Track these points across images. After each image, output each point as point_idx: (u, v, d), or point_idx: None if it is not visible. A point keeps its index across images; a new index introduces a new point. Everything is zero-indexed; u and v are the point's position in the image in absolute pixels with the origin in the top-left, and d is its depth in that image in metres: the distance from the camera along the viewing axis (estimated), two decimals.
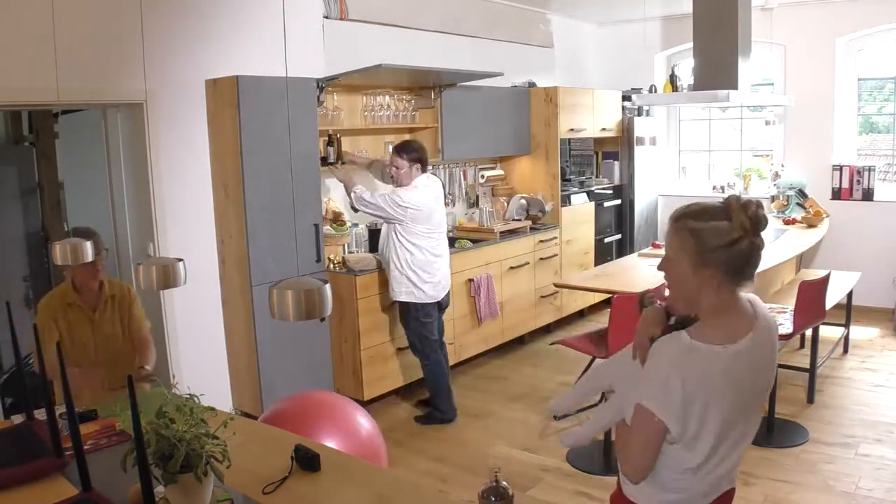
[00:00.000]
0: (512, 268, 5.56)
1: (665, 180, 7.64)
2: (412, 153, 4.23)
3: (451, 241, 5.49)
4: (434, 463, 3.84)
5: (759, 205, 1.62)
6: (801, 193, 6.60)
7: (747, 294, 1.70)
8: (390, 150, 4.40)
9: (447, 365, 4.50)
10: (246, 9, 4.29)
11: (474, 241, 5.38)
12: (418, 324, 4.34)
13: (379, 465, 2.62)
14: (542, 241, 5.89)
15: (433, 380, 4.42)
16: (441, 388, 4.42)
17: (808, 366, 4.50)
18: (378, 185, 4.79)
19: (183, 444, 1.61)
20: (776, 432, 3.98)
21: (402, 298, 4.30)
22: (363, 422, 2.92)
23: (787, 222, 6.20)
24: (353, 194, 4.26)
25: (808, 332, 4.77)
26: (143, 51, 3.58)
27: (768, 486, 3.45)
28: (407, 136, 5.38)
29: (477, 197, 6.12)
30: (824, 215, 6.29)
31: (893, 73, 6.49)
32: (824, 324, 4.45)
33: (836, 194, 6.56)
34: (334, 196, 4.86)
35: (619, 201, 6.93)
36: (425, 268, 4.26)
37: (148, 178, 3.96)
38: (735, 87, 5.71)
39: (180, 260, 2.20)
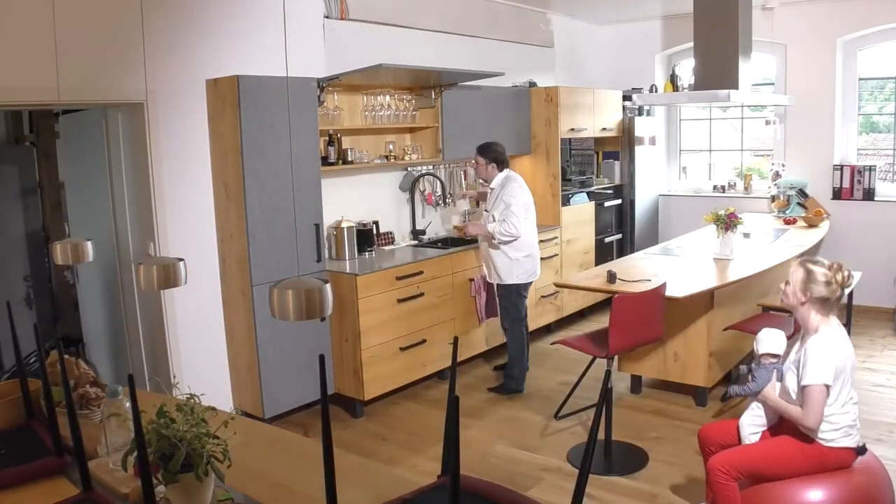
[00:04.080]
0: None
1: (665, 180, 7.64)
2: (487, 153, 4.83)
3: (457, 242, 5.50)
4: (434, 463, 3.83)
5: None
6: (802, 193, 6.60)
7: None
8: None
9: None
10: (246, 9, 4.29)
11: (475, 241, 5.37)
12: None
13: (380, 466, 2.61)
14: (542, 241, 5.87)
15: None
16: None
17: None
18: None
19: (183, 444, 1.61)
20: None
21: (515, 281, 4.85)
22: None
23: (787, 222, 6.20)
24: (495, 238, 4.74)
25: None
26: (144, 51, 3.58)
27: None
28: (408, 136, 5.40)
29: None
30: (825, 215, 6.29)
31: (894, 72, 6.48)
32: None
33: (837, 194, 6.56)
34: (338, 199, 4.85)
35: (619, 201, 6.93)
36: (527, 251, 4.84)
37: (148, 177, 3.97)
38: (735, 86, 5.71)
39: (181, 260, 2.20)
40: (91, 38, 3.61)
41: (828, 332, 2.68)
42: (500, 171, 4.79)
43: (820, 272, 2.71)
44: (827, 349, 2.62)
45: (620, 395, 4.69)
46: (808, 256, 2.87)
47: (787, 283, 2.80)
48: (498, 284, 4.88)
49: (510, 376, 4.91)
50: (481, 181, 5.11)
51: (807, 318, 2.74)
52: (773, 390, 2.81)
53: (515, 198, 4.66)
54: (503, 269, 4.79)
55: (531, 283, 4.92)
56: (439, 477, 1.91)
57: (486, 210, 4.87)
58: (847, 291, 2.78)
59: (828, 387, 2.60)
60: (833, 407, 2.64)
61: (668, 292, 3.92)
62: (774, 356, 2.93)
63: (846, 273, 2.72)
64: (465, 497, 1.38)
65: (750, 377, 2.88)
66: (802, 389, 2.63)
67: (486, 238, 4.76)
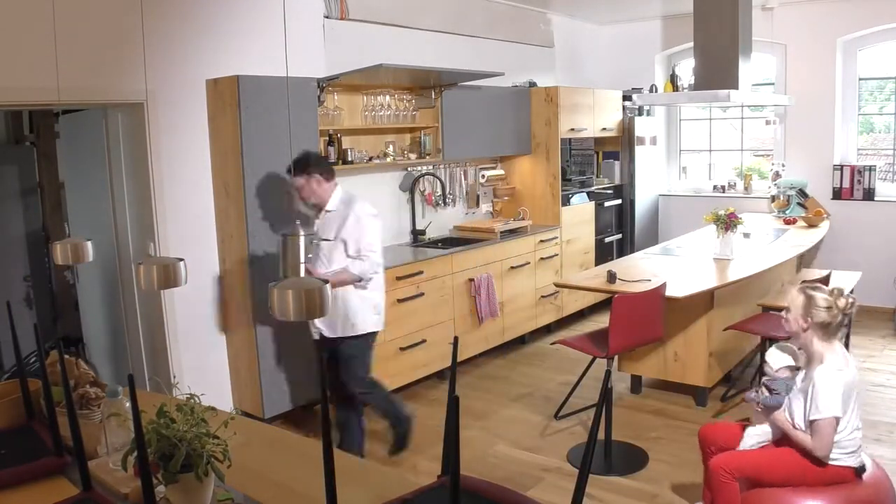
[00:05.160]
0: (512, 268, 5.56)
1: (665, 180, 7.64)
2: (322, 167, 3.66)
3: (457, 242, 5.50)
4: (434, 463, 3.83)
5: None
6: (802, 193, 6.60)
7: None
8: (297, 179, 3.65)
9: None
10: (246, 9, 4.29)
11: (475, 241, 5.38)
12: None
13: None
14: (542, 241, 5.89)
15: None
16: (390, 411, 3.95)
17: None
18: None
19: (183, 444, 1.61)
20: None
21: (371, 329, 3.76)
22: None
23: (787, 222, 6.20)
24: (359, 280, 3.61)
25: None
26: (144, 51, 3.58)
27: None
28: (407, 136, 5.40)
29: (478, 197, 6.13)
30: (825, 215, 6.29)
31: (894, 72, 6.48)
32: None
33: (837, 194, 6.56)
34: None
35: (619, 201, 6.93)
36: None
37: (148, 177, 3.97)
38: (735, 86, 5.71)
39: (181, 260, 2.20)
40: (91, 38, 3.61)
41: (834, 361, 2.66)
42: (331, 186, 3.67)
43: (820, 297, 2.70)
44: (835, 380, 2.61)
45: (620, 395, 4.69)
46: (808, 283, 2.87)
47: (787, 310, 2.78)
48: (345, 339, 3.67)
49: (400, 436, 3.92)
50: (307, 204, 3.81)
51: (809, 345, 2.73)
52: (782, 413, 2.80)
53: (373, 222, 3.62)
54: (357, 314, 3.64)
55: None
56: (439, 477, 1.91)
57: (321, 240, 3.58)
58: (848, 318, 2.75)
59: (837, 418, 2.60)
60: (842, 434, 2.64)
61: (668, 292, 3.93)
62: (790, 368, 2.92)
63: (849, 300, 2.70)
64: (465, 497, 1.38)
65: (767, 391, 2.86)
66: (812, 423, 2.63)
67: (343, 283, 3.51)
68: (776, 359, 2.96)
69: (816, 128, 6.61)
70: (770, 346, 3.19)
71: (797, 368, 2.90)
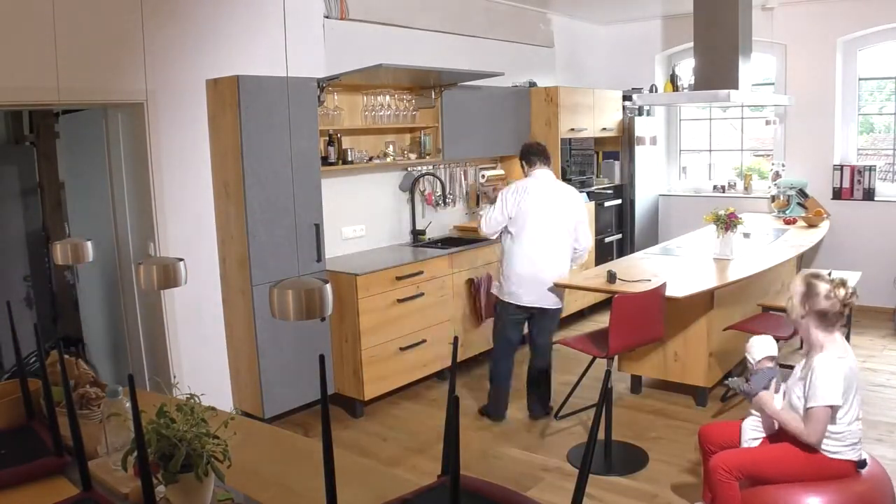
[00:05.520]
0: None
1: (665, 180, 7.64)
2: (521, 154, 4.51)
3: (457, 242, 5.50)
4: (434, 463, 3.83)
5: None
6: (802, 193, 6.60)
7: None
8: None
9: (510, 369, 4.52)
10: (246, 9, 4.29)
11: (475, 241, 5.38)
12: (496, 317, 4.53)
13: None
14: None
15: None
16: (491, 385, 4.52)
17: None
18: None
19: (183, 444, 1.61)
20: None
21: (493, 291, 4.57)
22: None
23: (787, 222, 6.20)
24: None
25: None
26: (144, 51, 3.58)
27: None
28: (407, 136, 5.40)
29: (478, 196, 6.12)
30: (825, 215, 6.29)
31: (894, 72, 6.48)
32: None
33: (837, 194, 6.56)
34: (338, 199, 4.85)
35: (619, 201, 6.93)
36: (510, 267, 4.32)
37: (148, 177, 3.97)
38: (735, 86, 5.72)
39: (181, 260, 2.20)
40: (91, 38, 3.61)
41: (833, 350, 2.67)
42: (527, 171, 4.41)
43: (820, 285, 2.72)
44: (834, 369, 2.62)
45: (620, 395, 4.69)
46: (813, 270, 2.87)
47: (790, 298, 2.80)
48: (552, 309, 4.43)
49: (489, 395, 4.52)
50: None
51: (808, 332, 2.75)
52: (770, 399, 2.81)
53: (503, 195, 4.30)
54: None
55: (516, 305, 4.30)
56: (439, 477, 1.92)
57: None
58: (848, 309, 2.76)
59: (833, 407, 2.61)
60: (841, 424, 2.65)
61: (668, 292, 3.93)
62: (771, 359, 2.94)
63: (849, 290, 2.71)
64: (465, 497, 1.38)
65: (746, 380, 2.88)
66: (807, 410, 2.64)
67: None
68: (757, 349, 2.97)
69: (816, 128, 6.61)
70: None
71: (775, 358, 2.93)
